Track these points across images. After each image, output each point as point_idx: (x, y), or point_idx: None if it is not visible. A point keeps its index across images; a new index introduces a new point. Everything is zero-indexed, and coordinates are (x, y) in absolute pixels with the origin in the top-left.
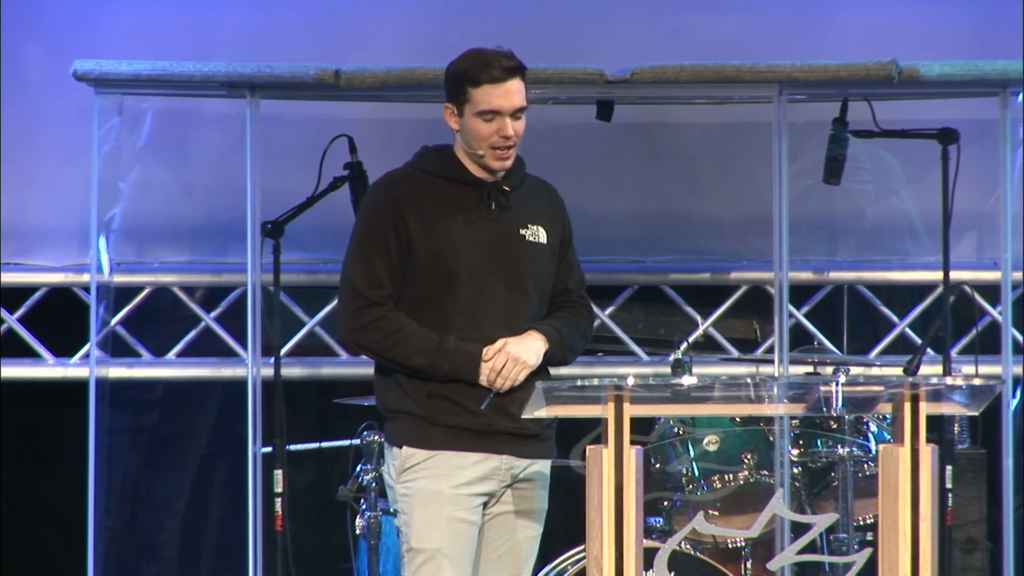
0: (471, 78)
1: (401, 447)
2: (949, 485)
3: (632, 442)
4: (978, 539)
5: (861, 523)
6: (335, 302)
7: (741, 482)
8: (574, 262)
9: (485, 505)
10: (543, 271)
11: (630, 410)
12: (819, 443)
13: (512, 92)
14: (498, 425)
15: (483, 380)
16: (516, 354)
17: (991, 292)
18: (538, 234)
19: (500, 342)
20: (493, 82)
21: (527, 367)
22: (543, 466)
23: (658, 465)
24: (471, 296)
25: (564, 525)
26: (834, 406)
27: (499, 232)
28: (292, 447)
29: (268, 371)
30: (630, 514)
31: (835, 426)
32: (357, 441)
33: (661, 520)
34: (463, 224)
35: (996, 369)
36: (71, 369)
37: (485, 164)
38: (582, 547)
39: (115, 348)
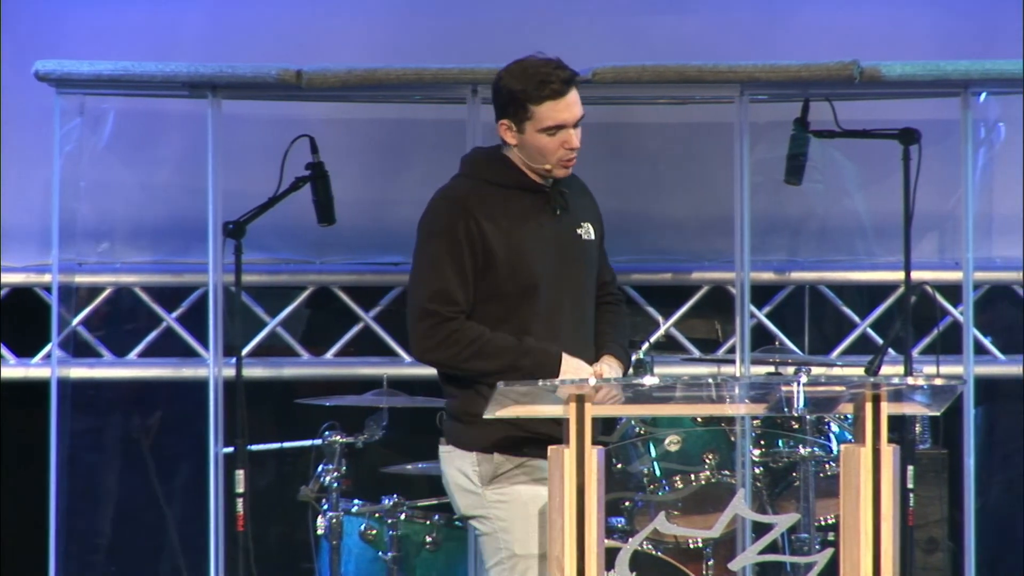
0: (531, 95)
1: (491, 453)
2: (910, 485)
3: (594, 442)
4: (939, 539)
5: (822, 523)
6: (296, 302)
7: (703, 482)
8: (606, 254)
9: None
10: (595, 268)
11: (592, 410)
12: (780, 443)
13: (573, 103)
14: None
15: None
16: (611, 375)
17: (952, 292)
18: (589, 231)
19: (606, 368)
20: (555, 97)
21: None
22: None
23: (620, 465)
24: (548, 303)
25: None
26: (795, 406)
27: (563, 236)
28: (253, 447)
29: (229, 371)
30: (592, 514)
31: (796, 426)
32: (318, 441)
33: (623, 520)
34: (533, 232)
35: (957, 369)
36: (32, 369)
37: (551, 175)
38: None
39: (77, 348)
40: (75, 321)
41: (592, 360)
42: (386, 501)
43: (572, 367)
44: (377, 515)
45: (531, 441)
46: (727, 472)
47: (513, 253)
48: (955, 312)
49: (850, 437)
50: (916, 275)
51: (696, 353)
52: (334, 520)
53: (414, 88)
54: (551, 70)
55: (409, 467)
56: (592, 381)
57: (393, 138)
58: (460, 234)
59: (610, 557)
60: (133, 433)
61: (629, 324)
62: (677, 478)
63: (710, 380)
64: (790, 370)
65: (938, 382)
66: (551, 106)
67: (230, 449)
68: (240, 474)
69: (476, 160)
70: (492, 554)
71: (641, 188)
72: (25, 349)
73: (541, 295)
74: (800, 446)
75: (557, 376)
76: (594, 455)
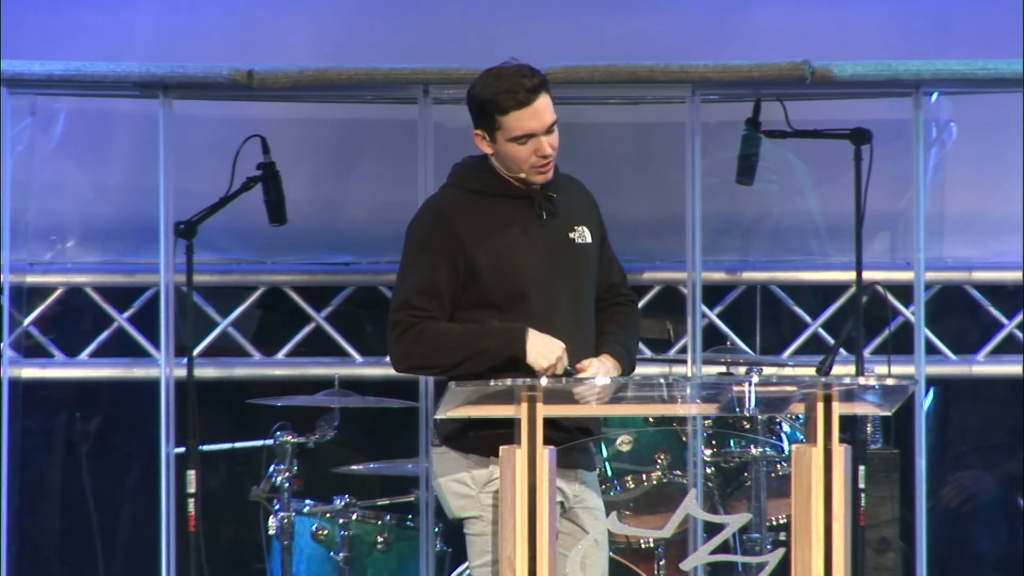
0: (498, 106)
1: (488, 457)
2: (862, 485)
3: (545, 442)
4: (891, 539)
5: (774, 523)
6: (248, 303)
7: (654, 482)
8: (613, 255)
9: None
10: (592, 271)
11: (543, 410)
12: (732, 443)
13: (542, 111)
14: (570, 437)
15: (541, 365)
16: (605, 370)
17: (904, 292)
18: (584, 235)
19: (591, 362)
20: (520, 107)
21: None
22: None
23: None
24: (541, 308)
25: None
26: (747, 406)
27: (553, 240)
28: (205, 447)
29: (181, 371)
30: (543, 514)
31: (748, 426)
32: (270, 442)
33: None
34: (520, 238)
35: (909, 369)
36: None
37: (527, 181)
38: None
39: (28, 349)
40: (26, 321)
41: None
42: (337, 501)
43: (540, 342)
44: (328, 515)
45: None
46: (678, 472)
47: (498, 260)
48: (906, 312)
49: (801, 437)
50: (867, 275)
51: (648, 353)
52: (285, 520)
53: (365, 88)
54: (518, 78)
55: (361, 467)
56: (543, 382)
57: (344, 138)
58: (436, 244)
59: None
60: (84, 433)
61: (639, 327)
62: (628, 478)
63: (662, 380)
64: (742, 370)
65: (889, 382)
66: (517, 116)
67: (181, 449)
68: (191, 474)
69: (462, 170)
70: (480, 554)
71: (593, 188)
72: None
73: (533, 300)
74: (751, 446)
75: (523, 350)
76: (545, 455)
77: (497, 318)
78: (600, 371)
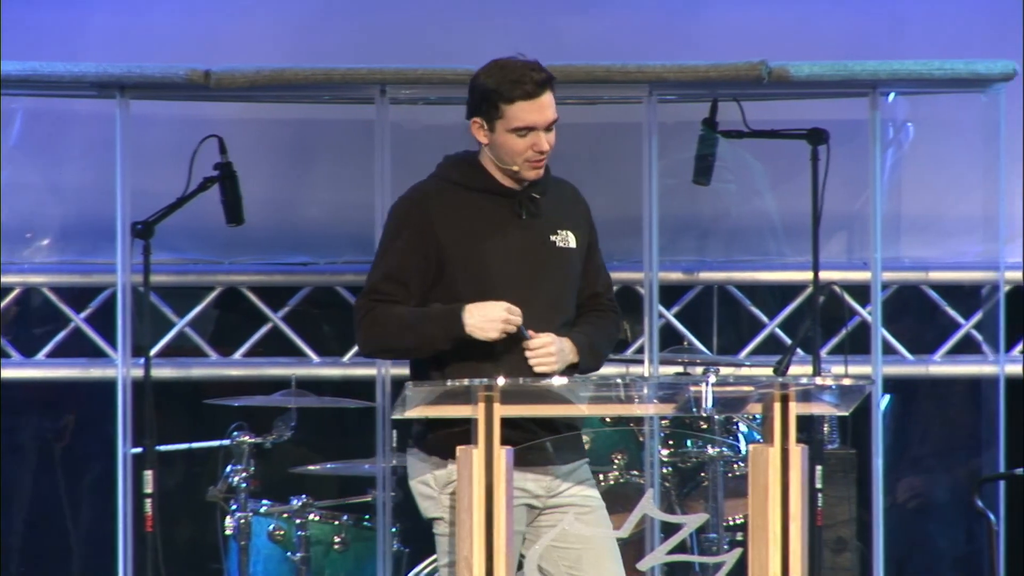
0: (503, 94)
1: (448, 459)
2: (819, 485)
3: (502, 442)
4: (848, 539)
5: (731, 523)
6: (205, 303)
7: (611, 482)
8: (601, 264)
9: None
10: (573, 276)
11: (500, 410)
12: (689, 443)
13: (545, 106)
14: (540, 437)
15: (491, 336)
16: (560, 348)
17: (861, 292)
18: (568, 239)
19: (549, 336)
20: (527, 98)
21: (555, 366)
22: (584, 468)
23: None
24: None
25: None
26: (704, 406)
27: (531, 240)
28: (162, 448)
29: (138, 372)
30: (501, 514)
31: (705, 426)
32: (227, 442)
33: None
34: (496, 235)
35: (866, 369)
36: None
37: (518, 176)
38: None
39: None
40: None
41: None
42: (294, 501)
43: (478, 314)
44: (285, 515)
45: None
46: (636, 472)
47: (468, 253)
48: (863, 312)
49: (758, 437)
50: (824, 275)
51: None
52: (242, 520)
53: (322, 88)
54: (526, 71)
55: (318, 468)
56: (501, 381)
57: (302, 138)
58: (409, 231)
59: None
60: (42, 433)
61: (616, 333)
62: None
63: (619, 380)
64: (699, 370)
65: (846, 382)
66: (522, 106)
67: (138, 450)
68: (148, 474)
69: (448, 162)
70: (444, 554)
71: None
72: None
73: (501, 298)
74: (709, 446)
75: (461, 329)
76: (502, 455)
77: None
78: (554, 342)
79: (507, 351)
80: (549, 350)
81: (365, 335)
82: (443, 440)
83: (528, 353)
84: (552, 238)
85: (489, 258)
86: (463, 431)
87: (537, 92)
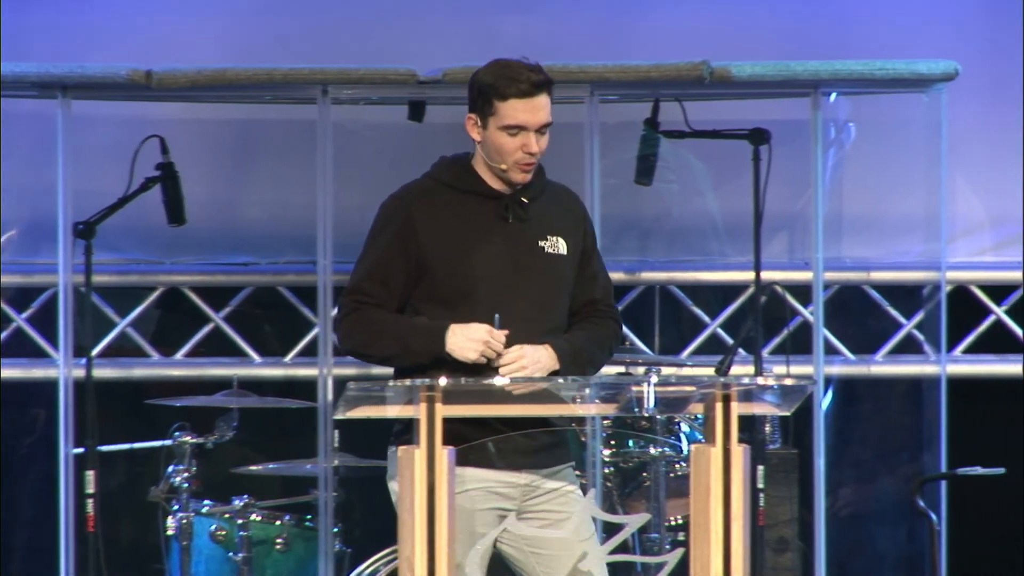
0: (498, 91)
1: None
2: (761, 485)
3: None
4: (789, 539)
5: (673, 523)
6: (146, 303)
7: None
8: (599, 271)
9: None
10: (562, 283)
11: (442, 410)
12: (631, 443)
13: (539, 107)
14: (515, 441)
15: (470, 358)
16: (535, 359)
17: (802, 292)
18: (557, 245)
19: (518, 348)
20: (521, 96)
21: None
22: (567, 472)
23: None
24: (490, 310)
25: (377, 525)
26: (646, 406)
27: (517, 245)
28: (104, 448)
29: (80, 372)
30: (442, 514)
31: (647, 426)
32: (169, 442)
33: None
34: (479, 237)
35: (807, 369)
36: None
37: (507, 178)
38: (395, 547)
39: None
40: None
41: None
42: (236, 502)
43: (461, 335)
44: (227, 516)
45: (464, 449)
46: (578, 472)
47: (450, 253)
48: (805, 312)
49: (700, 437)
50: (766, 275)
51: None
52: (184, 521)
53: (264, 88)
54: (525, 71)
55: (259, 468)
56: (443, 382)
57: (243, 138)
58: (392, 229)
59: None
60: None
61: (613, 340)
62: None
63: (560, 380)
64: (641, 370)
65: (788, 382)
66: (515, 104)
67: (80, 450)
68: (90, 475)
69: (441, 162)
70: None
71: None
72: None
73: (482, 301)
74: (650, 446)
75: (443, 345)
76: (444, 455)
77: (444, 315)
78: (527, 356)
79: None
80: (521, 363)
81: (345, 335)
82: (408, 439)
83: (502, 370)
84: (541, 243)
85: (471, 260)
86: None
87: (532, 92)
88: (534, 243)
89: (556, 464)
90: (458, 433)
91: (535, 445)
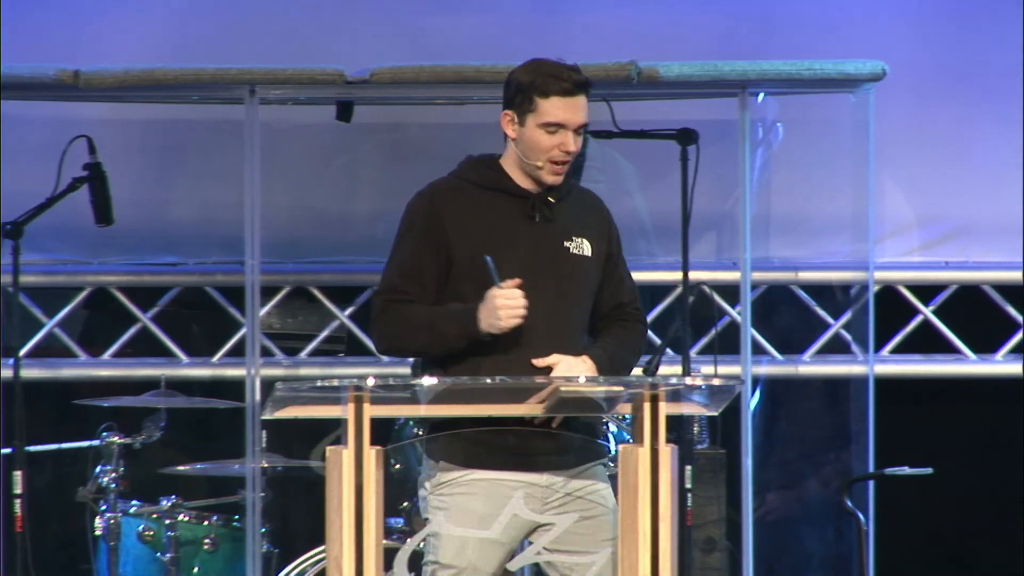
0: (540, 88)
1: (438, 461)
2: (688, 485)
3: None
4: (717, 539)
5: None
6: (74, 303)
7: None
8: (625, 275)
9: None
10: (586, 284)
11: (370, 411)
12: None
13: (579, 107)
14: (535, 445)
15: (509, 324)
16: (570, 368)
17: (730, 292)
18: (583, 247)
19: (555, 357)
20: (563, 94)
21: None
22: (594, 470)
23: (398, 466)
24: None
25: (305, 525)
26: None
27: (542, 244)
28: (31, 448)
29: (7, 372)
30: (370, 515)
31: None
32: (96, 442)
33: (401, 521)
34: (505, 235)
35: (735, 369)
36: None
37: (538, 176)
38: (323, 547)
39: None
40: None
41: None
42: (164, 502)
43: (485, 308)
44: (155, 516)
45: (482, 453)
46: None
47: (474, 250)
48: (733, 312)
49: (628, 437)
50: (694, 275)
51: None
52: (112, 521)
53: (192, 88)
54: (566, 70)
55: (187, 468)
56: (370, 382)
57: (171, 138)
58: (421, 226)
59: (388, 558)
60: None
61: (641, 344)
62: None
63: (488, 381)
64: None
65: (716, 382)
66: (556, 102)
67: (8, 450)
68: (18, 475)
69: (468, 161)
70: (425, 554)
71: (421, 189)
72: None
73: None
74: None
75: (476, 324)
76: (372, 456)
77: None
78: (572, 368)
79: (510, 348)
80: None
81: (379, 333)
82: (438, 442)
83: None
84: (566, 244)
85: (496, 257)
86: (455, 434)
87: (574, 91)
88: (559, 243)
89: (581, 464)
90: (483, 440)
91: (560, 450)
